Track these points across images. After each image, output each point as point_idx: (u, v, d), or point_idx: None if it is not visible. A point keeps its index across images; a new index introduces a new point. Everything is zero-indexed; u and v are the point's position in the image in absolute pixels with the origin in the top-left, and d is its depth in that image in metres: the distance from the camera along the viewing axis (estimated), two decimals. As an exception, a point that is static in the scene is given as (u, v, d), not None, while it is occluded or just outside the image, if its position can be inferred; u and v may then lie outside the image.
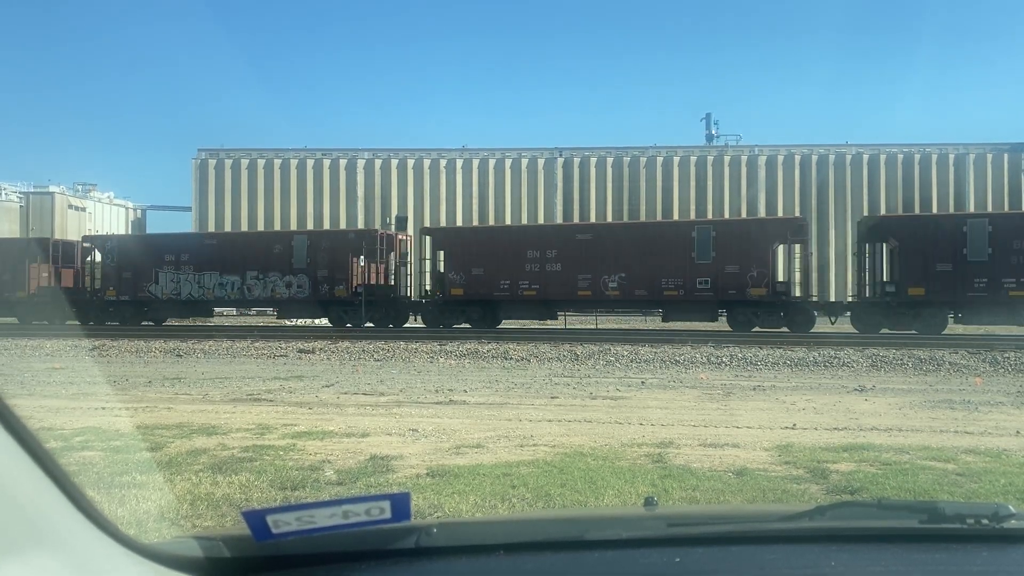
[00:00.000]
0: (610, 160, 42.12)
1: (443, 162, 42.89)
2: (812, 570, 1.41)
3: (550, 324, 24.34)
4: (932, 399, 10.68)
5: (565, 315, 24.92)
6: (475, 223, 39.46)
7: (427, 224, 39.15)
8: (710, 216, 36.93)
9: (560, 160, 42.43)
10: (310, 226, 38.58)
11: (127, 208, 49.62)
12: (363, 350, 17.89)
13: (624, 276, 22.10)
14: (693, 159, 41.60)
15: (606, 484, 5.50)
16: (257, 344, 19.26)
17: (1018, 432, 7.97)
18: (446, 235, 25.17)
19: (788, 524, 1.61)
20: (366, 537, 1.41)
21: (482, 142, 52.34)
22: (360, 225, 39.39)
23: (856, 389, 11.81)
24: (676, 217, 37.59)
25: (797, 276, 22.13)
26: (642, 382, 12.70)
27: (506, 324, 24.00)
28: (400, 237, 26.69)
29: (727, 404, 10.23)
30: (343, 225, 39.28)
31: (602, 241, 22.70)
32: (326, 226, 38.96)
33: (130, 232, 45.89)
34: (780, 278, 22.06)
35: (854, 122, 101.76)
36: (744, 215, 38.54)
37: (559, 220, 40.00)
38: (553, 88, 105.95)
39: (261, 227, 40.17)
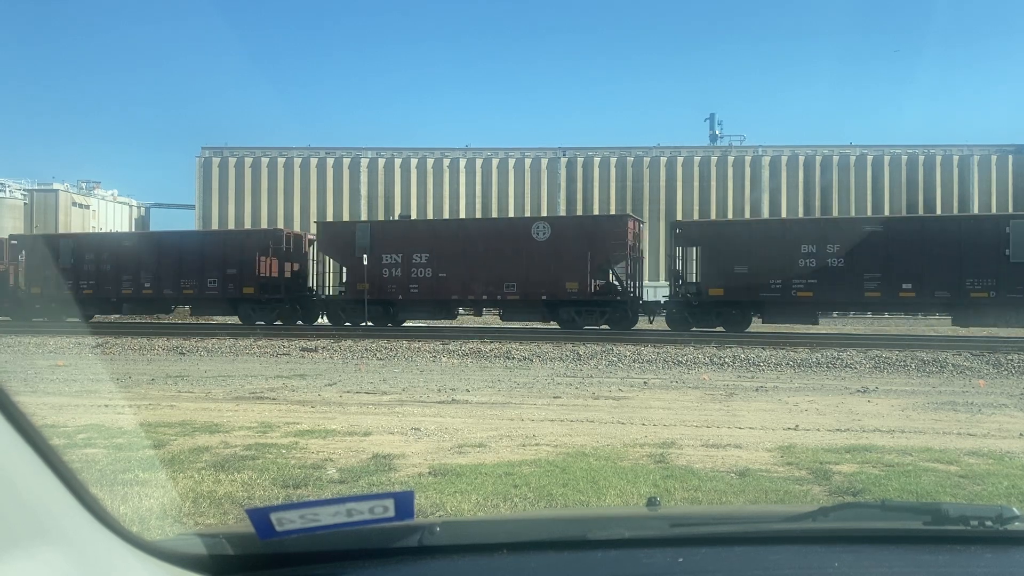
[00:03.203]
0: (614, 160, 42.10)
1: (447, 161, 42.92)
2: (815, 571, 1.41)
3: (546, 325, 24.30)
4: (935, 401, 10.66)
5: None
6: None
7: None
8: (698, 215, 36.92)
9: (564, 160, 42.43)
10: (313, 226, 38.69)
11: (131, 205, 49.77)
12: (366, 349, 17.91)
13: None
14: (697, 159, 41.59)
15: (608, 484, 5.50)
16: (260, 342, 19.29)
17: (1021, 434, 7.95)
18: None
19: (791, 525, 1.61)
20: (369, 535, 1.41)
21: (486, 141, 52.43)
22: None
23: (859, 390, 11.79)
24: (679, 217, 37.56)
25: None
26: (645, 382, 12.70)
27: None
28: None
29: (730, 405, 10.23)
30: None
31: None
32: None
33: (133, 230, 46.02)
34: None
35: (858, 123, 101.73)
36: (747, 215, 38.51)
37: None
38: (557, 88, 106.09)
39: (265, 225, 40.22)
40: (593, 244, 22.17)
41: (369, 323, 23.65)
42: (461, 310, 26.37)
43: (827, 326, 23.72)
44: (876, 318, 31.87)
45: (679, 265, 22.48)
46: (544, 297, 22.45)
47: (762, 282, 20.91)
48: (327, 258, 25.25)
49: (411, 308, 24.08)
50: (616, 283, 22.88)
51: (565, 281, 22.00)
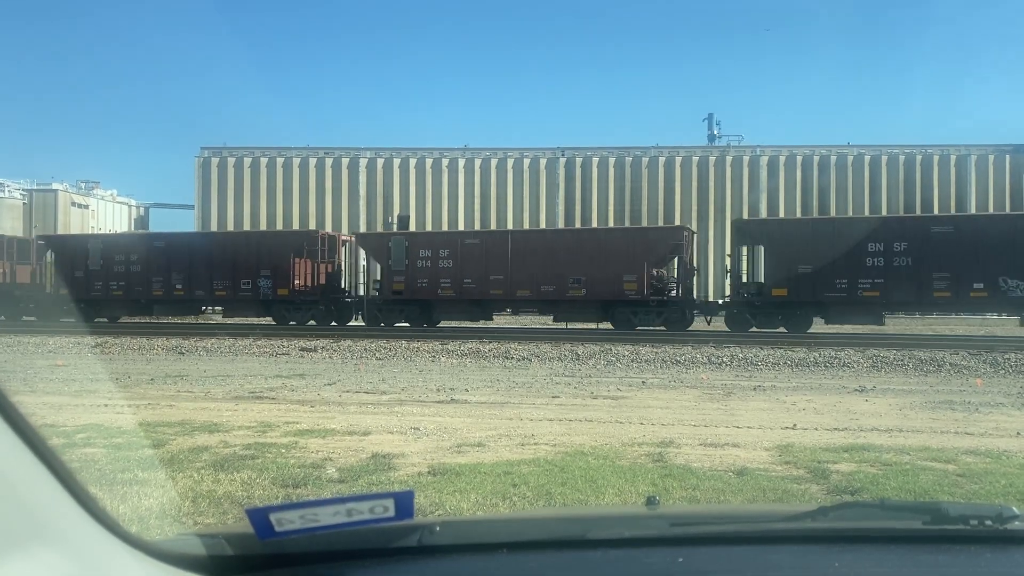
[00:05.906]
0: (612, 160, 42.07)
1: (445, 161, 42.86)
2: (815, 571, 1.41)
3: (552, 324, 24.33)
4: (933, 400, 10.67)
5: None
6: (477, 224, 39.47)
7: (430, 225, 39.24)
8: (696, 215, 36.99)
9: (562, 160, 42.39)
10: (312, 224, 38.63)
11: (130, 206, 49.63)
12: (365, 348, 17.91)
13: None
14: (695, 159, 41.56)
15: (607, 483, 5.50)
16: (259, 342, 19.28)
17: (1018, 433, 7.96)
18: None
19: (791, 524, 1.61)
20: (369, 535, 1.41)
21: (484, 141, 52.45)
22: (362, 225, 39.46)
23: (857, 389, 11.80)
24: (678, 219, 37.61)
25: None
26: (643, 382, 12.70)
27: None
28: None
29: (728, 404, 10.23)
30: (345, 224, 39.31)
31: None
32: (328, 225, 39.02)
33: (132, 230, 45.98)
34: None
35: (857, 123, 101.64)
36: (746, 216, 38.53)
37: (561, 221, 40.01)
38: (555, 88, 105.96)
39: (263, 226, 40.17)
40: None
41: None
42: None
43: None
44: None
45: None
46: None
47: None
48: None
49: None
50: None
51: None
